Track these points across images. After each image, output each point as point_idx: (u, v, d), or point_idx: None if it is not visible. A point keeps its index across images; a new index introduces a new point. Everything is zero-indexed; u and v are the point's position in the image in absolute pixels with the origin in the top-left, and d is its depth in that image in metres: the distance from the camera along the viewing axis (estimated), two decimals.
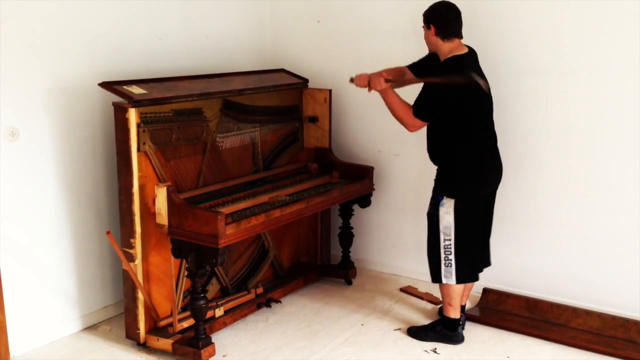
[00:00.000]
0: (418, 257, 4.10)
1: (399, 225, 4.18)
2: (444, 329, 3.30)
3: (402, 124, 3.17)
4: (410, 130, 3.17)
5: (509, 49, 3.53)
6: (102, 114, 3.39)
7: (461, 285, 3.25)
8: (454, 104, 3.02)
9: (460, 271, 3.19)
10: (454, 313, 3.28)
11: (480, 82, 2.94)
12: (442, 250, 3.19)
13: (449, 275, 3.20)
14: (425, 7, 3.16)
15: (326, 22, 4.21)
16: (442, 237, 3.18)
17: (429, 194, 3.33)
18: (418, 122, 3.11)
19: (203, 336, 3.07)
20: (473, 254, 3.23)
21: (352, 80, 3.31)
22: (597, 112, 3.37)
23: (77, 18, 3.23)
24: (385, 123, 4.04)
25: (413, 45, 3.66)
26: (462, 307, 3.43)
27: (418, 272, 4.08)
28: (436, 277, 3.26)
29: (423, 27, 3.15)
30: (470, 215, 3.16)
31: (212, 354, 3.09)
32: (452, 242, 3.16)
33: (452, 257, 3.17)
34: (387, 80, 3.16)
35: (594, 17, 3.29)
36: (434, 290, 3.90)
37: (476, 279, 3.34)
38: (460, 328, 3.31)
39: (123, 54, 3.47)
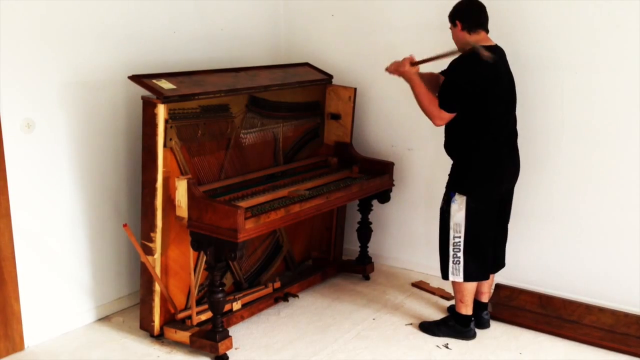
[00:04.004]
0: (430, 252, 4.09)
1: (410, 220, 4.17)
2: (456, 325, 3.30)
3: (428, 116, 3.09)
4: (437, 124, 3.07)
5: (527, 43, 3.51)
6: (121, 106, 3.41)
7: (473, 283, 3.23)
8: (476, 94, 2.97)
9: (468, 269, 3.16)
10: (466, 310, 3.27)
11: (485, 54, 2.81)
12: (450, 247, 3.17)
13: (456, 273, 3.18)
14: (447, 1, 3.15)
15: (340, 15, 4.19)
16: (452, 233, 3.16)
17: (442, 189, 3.30)
18: (444, 113, 3.03)
19: (220, 329, 3.07)
20: (483, 253, 3.20)
21: (387, 69, 3.24)
22: (614, 109, 3.34)
23: (93, 10, 3.24)
24: (398, 117, 4.05)
25: (437, 39, 3.63)
26: (485, 305, 3.42)
27: (430, 267, 4.07)
28: (444, 273, 3.24)
29: (450, 27, 3.12)
30: (482, 213, 3.12)
31: (229, 347, 3.09)
32: (462, 239, 3.13)
33: (460, 254, 3.15)
34: (412, 64, 3.11)
35: (613, 14, 3.27)
36: (446, 285, 3.90)
37: (485, 278, 3.29)
38: (472, 324, 3.30)
39: (138, 47, 3.47)
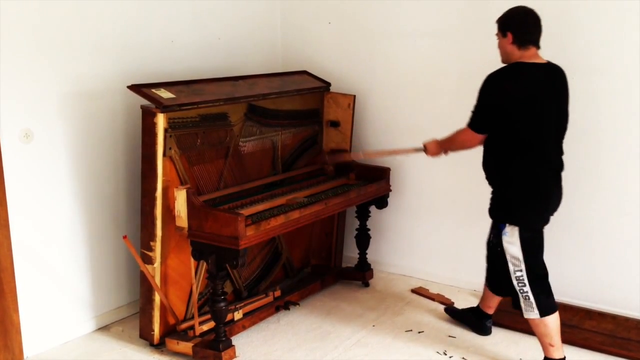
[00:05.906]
0: (428, 257, 4.11)
1: (408, 226, 4.17)
2: None
3: (466, 148, 3.03)
4: (472, 146, 2.98)
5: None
6: (120, 115, 3.42)
7: (554, 319, 2.90)
8: (502, 111, 2.77)
9: (541, 302, 2.87)
10: (557, 353, 2.92)
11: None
12: (515, 283, 2.90)
13: (529, 309, 2.89)
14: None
15: (337, 23, 4.21)
16: (511, 268, 2.89)
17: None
18: (474, 134, 2.90)
19: (224, 339, 3.08)
20: (548, 281, 2.94)
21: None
22: (616, 113, 3.35)
23: (91, 20, 3.25)
24: (396, 124, 4.06)
25: (433, 46, 3.64)
26: (490, 315, 3.38)
27: (429, 273, 4.08)
28: (520, 310, 2.96)
29: (497, 34, 2.87)
30: (535, 241, 2.90)
31: (233, 356, 3.10)
32: (524, 272, 2.86)
33: (527, 289, 2.87)
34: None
35: (612, 16, 3.29)
36: (445, 291, 3.91)
37: (557, 307, 2.95)
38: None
39: (136, 56, 3.49)
